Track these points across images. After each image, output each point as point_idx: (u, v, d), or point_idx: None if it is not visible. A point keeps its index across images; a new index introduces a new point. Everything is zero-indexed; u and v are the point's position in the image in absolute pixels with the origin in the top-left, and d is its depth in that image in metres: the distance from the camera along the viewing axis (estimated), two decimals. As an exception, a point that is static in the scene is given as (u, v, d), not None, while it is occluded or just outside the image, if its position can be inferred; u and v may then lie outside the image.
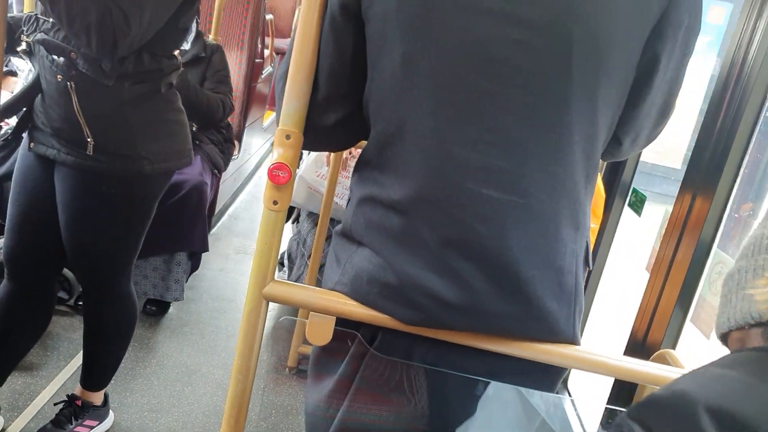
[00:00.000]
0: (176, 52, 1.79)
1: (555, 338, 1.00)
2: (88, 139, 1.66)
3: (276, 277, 3.29)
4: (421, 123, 0.94)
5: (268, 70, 4.87)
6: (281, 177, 1.01)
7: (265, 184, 1.04)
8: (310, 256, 2.72)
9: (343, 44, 0.97)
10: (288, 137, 1.01)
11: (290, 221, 3.48)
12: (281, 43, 5.61)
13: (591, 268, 1.10)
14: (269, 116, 5.72)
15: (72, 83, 1.62)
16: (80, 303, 2.77)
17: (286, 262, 3.44)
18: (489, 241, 0.94)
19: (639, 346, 1.88)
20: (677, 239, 1.78)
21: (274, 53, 5.16)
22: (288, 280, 3.10)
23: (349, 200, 1.11)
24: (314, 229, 2.87)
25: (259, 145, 5.55)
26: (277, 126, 1.04)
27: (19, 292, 1.90)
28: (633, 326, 1.94)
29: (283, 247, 3.96)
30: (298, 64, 0.98)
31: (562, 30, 0.89)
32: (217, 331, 2.95)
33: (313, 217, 3.04)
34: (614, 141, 1.07)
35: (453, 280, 0.95)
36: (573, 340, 1.02)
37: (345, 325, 1.04)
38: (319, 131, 1.04)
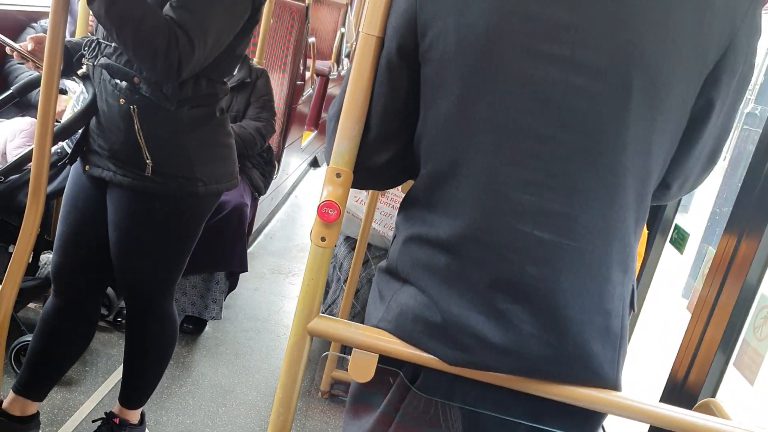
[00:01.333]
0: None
1: (598, 382, 0.99)
2: (147, 161, 1.71)
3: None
4: (477, 163, 0.95)
5: (308, 91, 4.93)
6: (331, 215, 1.03)
7: (314, 221, 1.05)
8: (346, 280, 2.73)
9: (398, 85, 0.99)
10: (338, 176, 1.03)
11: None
12: (322, 65, 5.68)
13: (635, 311, 1.09)
14: (308, 137, 5.78)
15: (134, 107, 1.67)
16: (119, 319, 2.81)
17: (320, 284, 3.45)
18: (540, 283, 0.94)
19: (678, 388, 1.84)
20: (721, 280, 1.75)
21: (314, 75, 5.23)
22: (323, 303, 3.13)
23: (394, 237, 1.11)
24: (351, 254, 2.88)
25: (297, 165, 5.60)
26: (327, 164, 1.05)
27: (64, 307, 1.95)
28: (672, 368, 1.91)
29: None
30: (351, 105, 1.00)
31: (623, 76, 0.90)
32: (251, 352, 2.97)
33: (350, 241, 3.06)
34: (663, 185, 1.07)
35: (500, 321, 0.96)
36: (615, 385, 1.01)
37: (387, 361, 1.05)
38: (370, 170, 1.05)
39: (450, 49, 0.92)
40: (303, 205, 5.50)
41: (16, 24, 2.97)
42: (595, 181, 0.94)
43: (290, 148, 4.60)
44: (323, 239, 1.05)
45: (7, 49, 1.68)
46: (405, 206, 1.09)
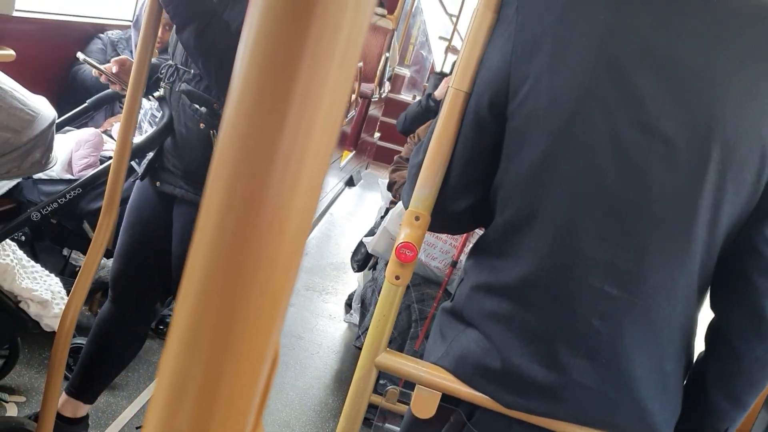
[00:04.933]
0: None
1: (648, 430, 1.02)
2: None
3: (343, 319, 3.37)
4: (554, 216, 0.98)
5: (351, 113, 5.02)
6: (408, 255, 1.08)
7: (390, 260, 1.11)
8: (385, 306, 2.77)
9: (484, 138, 1.03)
10: (417, 219, 1.08)
11: (367, 268, 3.55)
12: (365, 87, 5.76)
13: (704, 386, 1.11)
14: (347, 156, 5.86)
15: (214, 131, 1.75)
16: (161, 327, 2.88)
17: (355, 305, 3.50)
18: (604, 337, 0.98)
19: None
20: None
21: (358, 98, 5.31)
22: (359, 326, 3.18)
23: (461, 281, 1.16)
24: (390, 280, 2.92)
25: (334, 184, 5.68)
26: (405, 208, 1.11)
27: (119, 315, 2.02)
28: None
29: (353, 286, 4.03)
30: (435, 155, 1.05)
31: (702, 150, 0.94)
32: (285, 369, 3.02)
33: (389, 267, 3.09)
34: (753, 251, 1.01)
35: (560, 374, 1.00)
36: None
37: (443, 398, 1.09)
38: (449, 216, 1.10)
39: (541, 107, 0.96)
40: (338, 223, 5.56)
41: (83, 34, 3.08)
42: (667, 244, 0.97)
43: (330, 167, 4.67)
44: (397, 278, 1.11)
45: (94, 72, 1.76)
46: (475, 252, 1.13)
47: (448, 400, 1.10)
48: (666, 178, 0.95)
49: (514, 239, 1.03)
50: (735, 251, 1.02)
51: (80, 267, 2.61)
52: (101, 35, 3.10)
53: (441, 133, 1.05)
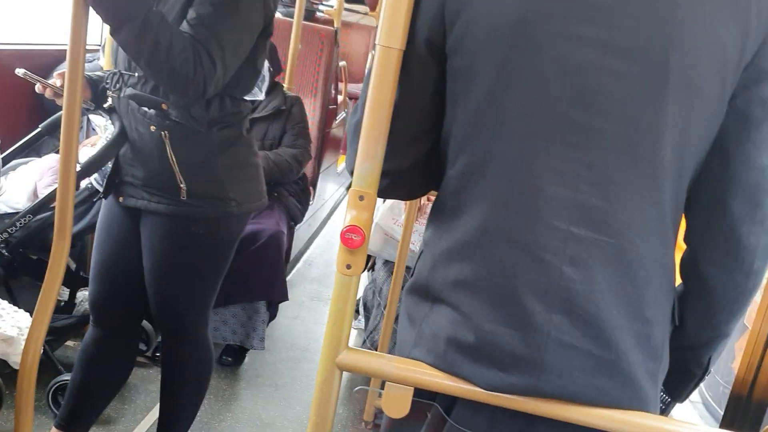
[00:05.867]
0: (247, 97, 1.82)
1: (634, 395, 0.91)
2: (181, 185, 1.71)
3: (353, 325, 3.21)
4: (508, 156, 0.89)
5: (341, 115, 4.91)
6: (355, 240, 0.96)
7: (338, 248, 0.99)
8: (386, 305, 2.66)
9: (425, 81, 0.93)
10: (362, 198, 0.96)
11: (366, 269, 3.45)
12: (354, 88, 5.66)
13: (677, 324, 1.00)
14: (343, 160, 5.75)
15: (166, 132, 1.67)
16: (158, 354, 2.78)
17: (361, 310, 3.40)
18: (578, 285, 0.88)
19: (741, 410, 1.72)
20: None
21: (347, 99, 5.21)
22: (365, 330, 3.06)
23: (421, 252, 1.05)
24: (390, 278, 2.81)
25: (334, 190, 5.58)
26: (350, 175, 1.00)
27: (102, 337, 1.95)
28: (733, 387, 1.78)
29: (359, 292, 3.92)
30: (372, 125, 0.93)
31: (660, 59, 0.84)
32: (291, 383, 2.92)
33: (389, 265, 2.99)
34: (720, 206, 0.92)
35: (538, 335, 0.89)
36: (651, 399, 0.94)
37: (422, 391, 0.98)
38: (394, 175, 0.99)
39: (481, 37, 0.87)
40: (340, 229, 5.46)
41: (51, 61, 3.01)
42: (633, 172, 0.87)
43: (326, 173, 4.57)
44: (349, 267, 0.99)
45: (38, 87, 1.68)
46: (432, 218, 1.03)
47: (421, 395, 0.98)
48: (623, 97, 0.85)
49: (469, 191, 0.93)
50: (708, 176, 0.92)
51: (64, 301, 2.53)
52: (67, 62, 3.02)
53: (375, 98, 0.92)
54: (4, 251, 2.08)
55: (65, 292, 2.54)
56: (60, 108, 1.86)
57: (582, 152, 0.87)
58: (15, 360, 1.73)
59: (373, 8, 6.11)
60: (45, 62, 3.01)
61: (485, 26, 0.87)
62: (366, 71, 1.02)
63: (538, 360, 0.89)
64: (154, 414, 2.43)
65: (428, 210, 2.83)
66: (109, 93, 1.73)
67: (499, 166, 0.90)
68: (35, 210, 1.79)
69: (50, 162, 2.30)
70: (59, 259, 1.55)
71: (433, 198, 2.68)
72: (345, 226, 0.97)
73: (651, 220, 0.89)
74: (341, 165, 5.64)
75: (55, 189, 1.62)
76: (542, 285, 0.89)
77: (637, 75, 0.85)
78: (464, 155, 0.93)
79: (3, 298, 2.19)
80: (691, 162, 0.91)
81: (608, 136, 0.86)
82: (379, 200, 3.24)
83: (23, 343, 1.71)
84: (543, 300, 0.89)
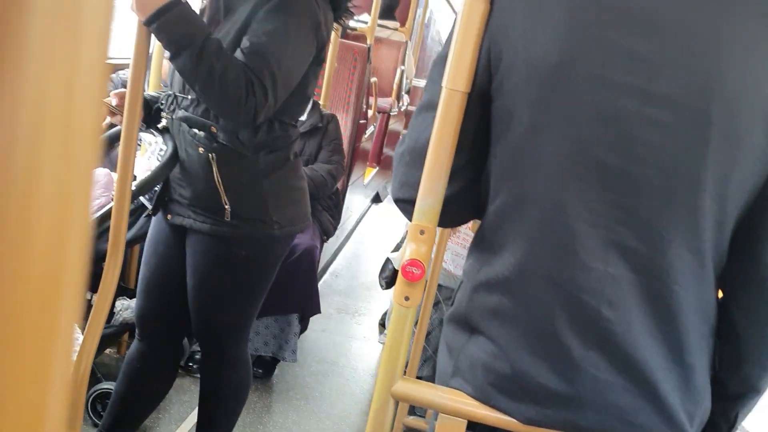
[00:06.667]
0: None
1: None
2: (226, 207, 1.75)
3: (378, 340, 3.27)
4: (544, 197, 0.91)
5: (370, 129, 4.96)
6: (415, 274, 1.00)
7: (397, 280, 1.02)
8: (417, 323, 2.68)
9: (469, 121, 0.96)
10: (422, 232, 1.00)
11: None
12: (383, 102, 5.71)
13: (717, 369, 1.01)
14: (370, 173, 5.79)
15: (213, 155, 1.71)
16: (191, 364, 2.83)
17: (388, 324, 3.41)
18: (616, 327, 0.89)
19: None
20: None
21: (376, 113, 5.26)
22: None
23: (461, 283, 1.08)
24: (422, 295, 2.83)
25: (361, 202, 5.62)
26: (393, 199, 1.06)
27: (147, 351, 2.00)
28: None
29: (385, 306, 3.94)
30: (435, 162, 0.97)
31: (701, 110, 0.84)
32: (321, 397, 2.95)
33: (418, 282, 3.01)
34: (754, 261, 0.93)
35: (575, 371, 0.91)
36: None
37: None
38: None
39: (520, 79, 0.90)
40: (367, 241, 5.49)
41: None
42: (670, 218, 0.88)
43: (354, 185, 4.61)
44: (407, 299, 1.02)
45: None
46: (472, 250, 1.06)
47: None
48: (661, 145, 0.86)
49: (507, 228, 0.95)
50: (744, 223, 0.92)
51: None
52: (113, 75, 3.09)
53: (439, 138, 0.96)
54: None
55: (104, 301, 2.59)
56: (110, 126, 1.93)
57: (617, 195, 0.88)
58: (64, 370, 1.78)
59: (403, 23, 6.16)
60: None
61: (524, 69, 0.89)
62: (419, 106, 1.05)
63: (574, 395, 0.91)
64: (189, 423, 2.47)
65: (461, 228, 2.86)
66: (163, 114, 1.79)
67: (535, 206, 0.92)
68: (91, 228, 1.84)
69: (98, 176, 2.36)
70: (112, 274, 1.60)
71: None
72: (406, 260, 1.00)
73: (690, 266, 0.89)
74: (368, 178, 5.67)
75: (111, 207, 1.67)
76: (579, 323, 0.90)
77: (676, 124, 0.85)
78: (502, 193, 0.96)
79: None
80: (734, 211, 0.90)
81: (644, 182, 0.87)
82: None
83: (74, 354, 1.76)
84: (580, 337, 0.90)
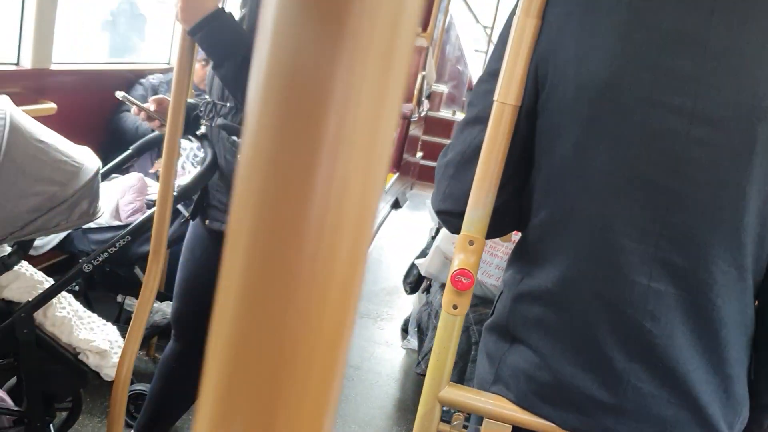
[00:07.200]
0: None
1: None
2: None
3: (401, 345, 3.29)
4: (590, 212, 0.93)
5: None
6: (465, 283, 1.02)
7: (446, 288, 1.05)
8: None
9: (516, 136, 0.98)
10: (471, 243, 1.02)
11: (420, 290, 3.49)
12: (404, 107, 5.74)
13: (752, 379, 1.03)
14: (390, 178, 5.82)
15: None
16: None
17: (411, 329, 3.43)
18: (658, 340, 0.92)
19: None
20: None
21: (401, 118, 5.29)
22: (418, 352, 3.10)
23: (501, 293, 1.10)
24: (446, 302, 2.85)
25: (381, 208, 5.64)
26: (435, 211, 1.09)
27: (182, 351, 2.03)
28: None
29: (407, 310, 3.97)
30: (485, 174, 0.99)
31: (746, 129, 0.87)
32: (345, 401, 2.97)
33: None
34: None
35: (617, 382, 0.93)
36: None
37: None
38: None
39: (568, 97, 0.92)
40: (387, 246, 5.52)
41: (125, 81, 3.13)
42: (715, 234, 0.90)
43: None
44: (455, 307, 1.05)
45: (134, 110, 1.77)
46: (514, 260, 1.08)
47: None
48: (708, 164, 0.88)
49: (552, 241, 0.98)
50: None
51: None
52: (142, 80, 3.14)
53: (489, 150, 0.99)
54: (86, 268, 2.18)
55: (135, 304, 2.63)
56: (149, 131, 1.98)
57: (663, 212, 0.90)
58: (107, 372, 1.81)
59: (424, 29, 6.19)
60: (116, 84, 3.13)
61: (573, 87, 0.92)
62: (464, 120, 1.07)
63: (617, 405, 0.93)
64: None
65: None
66: (202, 122, 1.82)
67: (581, 221, 0.94)
68: (133, 232, 1.88)
69: (132, 180, 2.40)
70: (154, 279, 1.64)
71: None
72: (455, 270, 1.02)
73: (732, 281, 0.92)
74: (389, 182, 5.70)
75: (152, 213, 1.71)
76: (622, 335, 0.93)
77: (723, 143, 0.88)
78: (547, 207, 0.98)
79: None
80: None
81: (691, 199, 0.89)
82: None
83: (114, 356, 1.80)
84: (623, 349, 0.93)
